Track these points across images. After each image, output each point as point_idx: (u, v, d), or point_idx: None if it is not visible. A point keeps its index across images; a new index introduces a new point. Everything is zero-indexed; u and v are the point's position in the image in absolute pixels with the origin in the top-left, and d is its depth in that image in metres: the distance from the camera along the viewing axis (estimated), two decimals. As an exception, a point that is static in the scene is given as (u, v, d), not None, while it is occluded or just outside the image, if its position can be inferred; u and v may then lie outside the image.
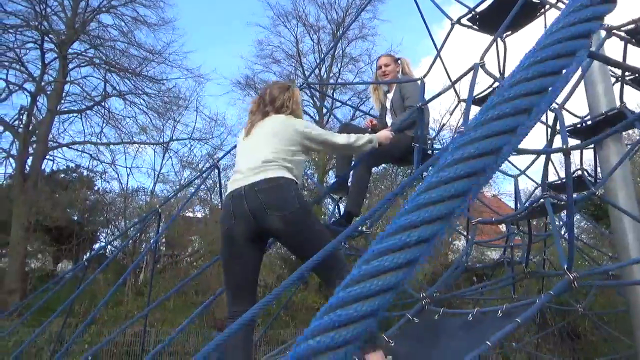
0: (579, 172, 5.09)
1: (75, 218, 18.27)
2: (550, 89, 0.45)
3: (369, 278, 0.41)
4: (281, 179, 2.60)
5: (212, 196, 18.00)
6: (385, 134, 3.40)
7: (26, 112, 17.71)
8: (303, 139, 2.84)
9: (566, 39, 0.50)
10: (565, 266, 2.42)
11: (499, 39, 4.29)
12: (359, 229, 4.12)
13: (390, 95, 4.54)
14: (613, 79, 4.80)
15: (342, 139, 3.01)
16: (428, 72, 4.49)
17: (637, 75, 4.52)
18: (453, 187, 0.43)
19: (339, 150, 3.24)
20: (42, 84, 18.11)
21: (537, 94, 0.45)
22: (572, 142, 4.24)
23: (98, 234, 19.13)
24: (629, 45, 4.19)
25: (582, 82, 4.18)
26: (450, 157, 0.44)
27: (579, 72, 3.63)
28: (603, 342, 10.81)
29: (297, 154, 2.82)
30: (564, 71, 0.47)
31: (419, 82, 4.22)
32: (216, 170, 6.05)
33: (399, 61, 4.60)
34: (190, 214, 18.42)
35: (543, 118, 4.91)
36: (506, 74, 5.35)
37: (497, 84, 5.02)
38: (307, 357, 0.39)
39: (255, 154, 2.73)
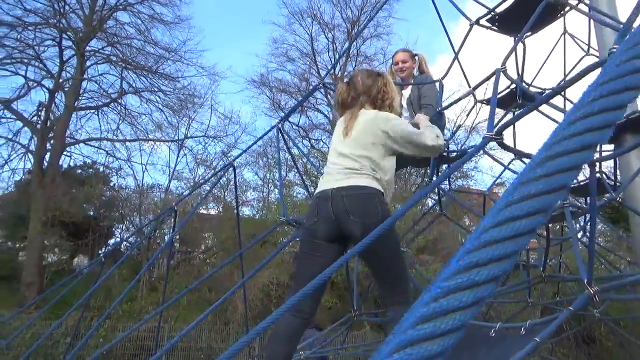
0: (598, 175, 5.02)
1: (91, 213, 18.52)
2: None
3: (439, 317, 0.41)
4: (369, 189, 2.59)
5: (226, 194, 18.11)
6: (425, 118, 3.16)
7: (44, 109, 17.99)
8: (386, 139, 2.70)
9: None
10: (586, 280, 2.37)
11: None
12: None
13: (406, 92, 4.46)
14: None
15: (430, 139, 2.72)
16: (447, 73, 4.46)
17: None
18: (520, 225, 0.43)
19: (424, 152, 2.91)
20: (60, 80, 18.38)
21: (601, 129, 0.44)
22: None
23: (113, 229, 19.37)
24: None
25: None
26: (518, 194, 0.44)
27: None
28: (619, 348, 10.66)
29: (386, 157, 2.72)
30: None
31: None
32: (231, 169, 6.09)
33: (416, 57, 4.50)
34: (204, 211, 18.56)
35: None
36: (525, 76, 5.29)
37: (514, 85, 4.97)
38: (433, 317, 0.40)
39: (346, 157, 2.71)
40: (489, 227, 0.44)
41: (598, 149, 5.13)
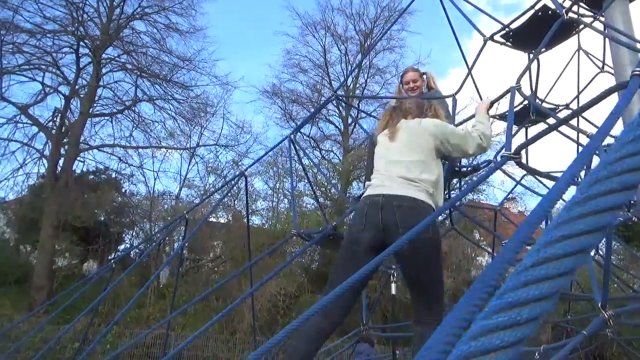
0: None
1: (102, 219, 18.66)
2: None
3: (478, 356, 0.41)
4: (422, 203, 2.53)
5: (236, 202, 18.17)
6: (485, 106, 3.12)
7: (60, 114, 18.25)
8: (436, 140, 2.71)
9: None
10: (600, 304, 2.33)
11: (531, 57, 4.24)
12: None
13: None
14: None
15: (475, 142, 2.72)
16: (460, 89, 4.47)
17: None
18: (562, 265, 0.43)
19: (469, 155, 2.90)
20: (76, 87, 18.66)
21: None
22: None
23: (123, 235, 19.49)
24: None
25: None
26: (557, 232, 0.44)
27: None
28: (631, 368, 10.46)
29: (436, 166, 2.72)
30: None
31: (450, 98, 4.19)
32: (243, 178, 6.13)
33: (424, 76, 4.53)
34: (214, 219, 18.63)
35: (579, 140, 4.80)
36: (538, 93, 5.28)
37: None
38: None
39: (396, 164, 2.67)
40: (529, 266, 0.44)
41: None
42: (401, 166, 2.64)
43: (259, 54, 40.63)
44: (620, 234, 11.75)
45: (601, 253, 5.48)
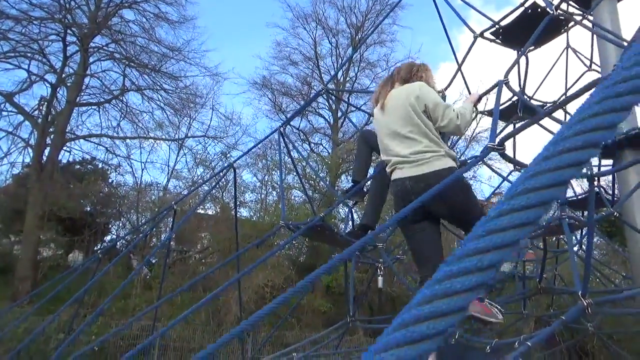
0: (596, 189, 5.05)
1: (88, 209, 18.49)
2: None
3: (441, 298, 0.44)
4: (445, 171, 2.69)
5: (224, 194, 18.10)
6: (474, 98, 3.23)
7: (46, 103, 17.99)
8: (419, 103, 2.88)
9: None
10: (580, 292, 2.41)
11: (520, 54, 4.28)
12: (373, 242, 4.16)
13: None
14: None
15: (450, 116, 2.85)
16: (449, 84, 4.50)
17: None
18: (524, 215, 0.46)
19: (441, 127, 3.02)
20: (63, 75, 18.39)
21: (606, 129, 0.47)
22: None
23: (110, 226, 19.35)
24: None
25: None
26: (522, 186, 0.47)
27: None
28: (611, 362, 10.68)
29: (427, 126, 2.88)
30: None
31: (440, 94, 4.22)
32: (231, 170, 6.11)
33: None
34: (202, 211, 18.57)
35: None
36: (526, 89, 5.34)
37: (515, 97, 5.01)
38: (426, 318, 0.43)
39: (395, 138, 2.89)
40: (493, 217, 0.47)
41: (597, 163, 5.16)
42: (400, 140, 2.85)
43: (250, 45, 40.36)
44: (603, 229, 11.95)
45: (584, 248, 5.58)
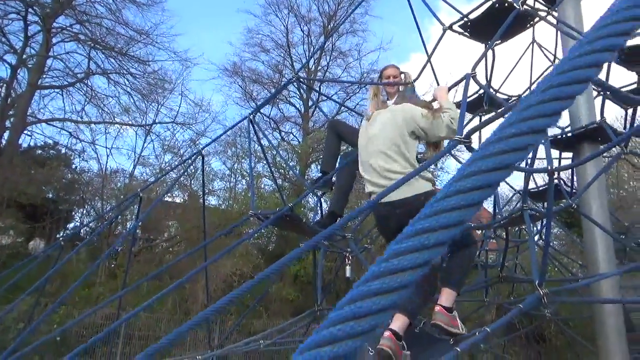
0: (556, 181, 5.23)
1: (50, 196, 17.93)
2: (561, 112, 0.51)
3: (389, 275, 0.46)
4: (418, 197, 2.82)
5: (192, 182, 17.86)
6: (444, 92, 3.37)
7: (5, 85, 17.27)
8: (409, 126, 3.03)
9: (581, 67, 0.54)
10: (537, 282, 2.51)
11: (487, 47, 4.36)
12: (341, 231, 4.23)
13: (391, 104, 4.61)
14: (595, 92, 4.95)
15: (445, 124, 2.95)
16: (418, 76, 4.55)
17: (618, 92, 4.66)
18: (469, 197, 0.48)
19: (442, 138, 3.14)
20: (24, 56, 17.67)
21: (550, 117, 0.49)
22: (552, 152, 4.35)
23: (73, 213, 18.83)
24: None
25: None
26: (468, 169, 0.49)
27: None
28: (567, 347, 11.15)
29: (412, 146, 3.05)
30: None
31: (409, 85, 4.27)
32: (200, 157, 6.04)
33: (403, 75, 4.65)
34: (169, 199, 18.28)
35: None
36: (492, 82, 5.45)
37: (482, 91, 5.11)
38: (327, 342, 0.44)
39: (388, 160, 2.98)
40: (440, 198, 0.49)
41: (558, 157, 5.33)
42: (393, 163, 2.96)
43: (220, 31, 39.72)
44: (563, 220, 12.39)
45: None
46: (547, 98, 0.50)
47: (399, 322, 2.64)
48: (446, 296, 2.73)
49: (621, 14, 0.52)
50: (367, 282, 0.46)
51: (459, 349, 2.27)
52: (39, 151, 19.26)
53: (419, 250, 0.46)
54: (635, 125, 5.08)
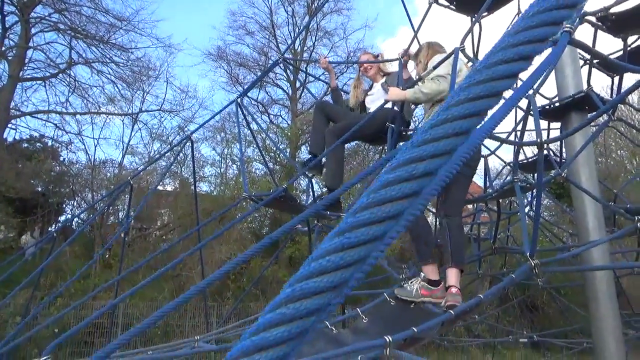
0: (545, 151, 5.27)
1: (40, 189, 17.75)
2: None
3: (341, 250, 0.45)
4: None
5: (183, 169, 17.77)
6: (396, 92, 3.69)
7: (-15, 78, 16.93)
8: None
9: (541, 25, 0.55)
10: (528, 253, 2.55)
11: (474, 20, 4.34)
12: (337, 213, 4.31)
13: (374, 92, 4.67)
14: (581, 62, 4.95)
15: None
16: (406, 51, 4.52)
17: (604, 59, 4.67)
18: (423, 166, 0.48)
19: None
20: (3, 48, 17.28)
21: (509, 78, 0.50)
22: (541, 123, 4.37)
23: (64, 205, 18.67)
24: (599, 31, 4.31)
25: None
26: (421, 137, 0.49)
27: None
28: (559, 314, 11.39)
29: None
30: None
31: (397, 61, 4.26)
32: (189, 143, 5.99)
33: (379, 57, 4.89)
34: (160, 187, 18.17)
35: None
36: (480, 56, 5.43)
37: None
38: (281, 321, 0.44)
39: None
40: (394, 167, 0.50)
41: (546, 127, 5.36)
42: None
43: (203, 15, 39.01)
44: (552, 191, 12.53)
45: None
46: (508, 58, 0.51)
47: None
48: (431, 272, 2.99)
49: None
50: (318, 259, 0.45)
51: (452, 312, 2.34)
52: (25, 144, 18.99)
53: (373, 223, 0.46)
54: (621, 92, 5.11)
